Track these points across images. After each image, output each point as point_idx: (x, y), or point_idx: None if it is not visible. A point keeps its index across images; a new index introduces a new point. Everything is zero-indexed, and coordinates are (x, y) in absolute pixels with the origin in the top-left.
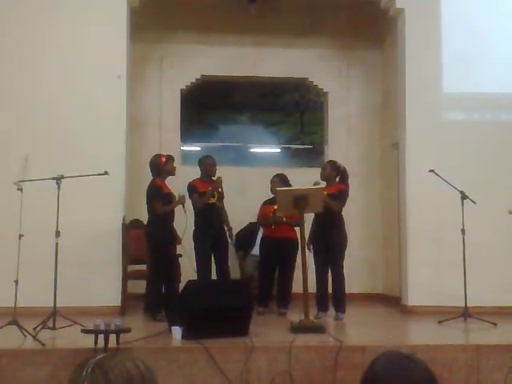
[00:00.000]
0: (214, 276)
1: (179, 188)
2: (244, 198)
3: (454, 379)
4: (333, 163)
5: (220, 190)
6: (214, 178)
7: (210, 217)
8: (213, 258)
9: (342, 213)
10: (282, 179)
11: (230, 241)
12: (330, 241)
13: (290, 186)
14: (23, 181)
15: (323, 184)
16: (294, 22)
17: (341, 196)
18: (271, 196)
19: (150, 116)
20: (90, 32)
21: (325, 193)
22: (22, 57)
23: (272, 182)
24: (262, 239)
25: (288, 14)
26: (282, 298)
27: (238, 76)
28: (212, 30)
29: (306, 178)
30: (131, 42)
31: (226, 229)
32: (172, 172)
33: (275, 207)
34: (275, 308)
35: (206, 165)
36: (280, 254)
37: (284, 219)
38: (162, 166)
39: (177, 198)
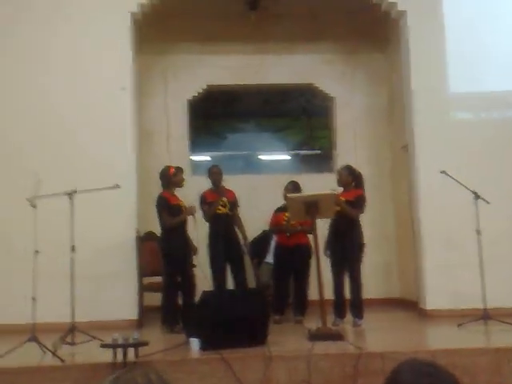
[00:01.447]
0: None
1: (191, 199)
2: (255, 206)
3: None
4: (348, 168)
5: (224, 198)
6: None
7: (218, 227)
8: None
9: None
10: (294, 186)
11: (245, 250)
12: (346, 246)
13: (301, 192)
14: (36, 197)
15: (340, 190)
16: (297, 27)
17: (359, 203)
18: (282, 202)
19: (157, 128)
20: (96, 45)
21: (343, 199)
22: (28, 70)
23: (285, 188)
24: (276, 247)
25: (290, 20)
26: (298, 305)
27: (243, 84)
28: (215, 39)
29: (316, 184)
30: (135, 54)
31: (241, 238)
32: (180, 184)
33: (287, 215)
34: (291, 316)
35: (212, 174)
36: (294, 260)
37: (299, 227)
38: (171, 177)
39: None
